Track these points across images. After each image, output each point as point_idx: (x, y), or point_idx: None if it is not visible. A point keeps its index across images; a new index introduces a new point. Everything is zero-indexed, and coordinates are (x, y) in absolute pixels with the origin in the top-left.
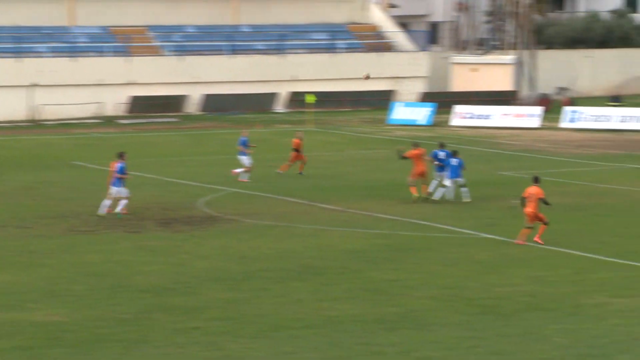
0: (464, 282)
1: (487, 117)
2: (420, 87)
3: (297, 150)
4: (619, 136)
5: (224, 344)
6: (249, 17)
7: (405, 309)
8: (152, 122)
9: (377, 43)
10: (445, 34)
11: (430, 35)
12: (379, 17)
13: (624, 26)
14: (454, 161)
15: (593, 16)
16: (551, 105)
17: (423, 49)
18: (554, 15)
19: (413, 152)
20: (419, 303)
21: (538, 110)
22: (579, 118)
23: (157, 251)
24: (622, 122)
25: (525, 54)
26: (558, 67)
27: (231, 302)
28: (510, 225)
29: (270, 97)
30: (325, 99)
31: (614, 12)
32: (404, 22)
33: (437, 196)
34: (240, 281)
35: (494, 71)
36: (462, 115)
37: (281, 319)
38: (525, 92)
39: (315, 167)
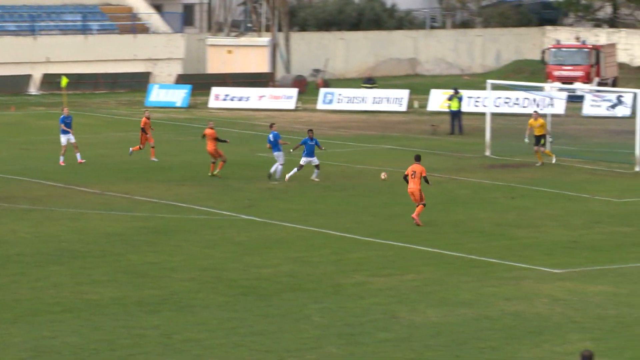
0: (224, 264)
1: (244, 98)
2: (177, 69)
3: (144, 130)
4: (372, 117)
5: None
6: None
7: (166, 291)
8: None
9: (131, 25)
10: (200, 15)
11: (185, 17)
12: None
13: (375, 9)
14: (309, 141)
15: None
16: (306, 87)
17: (178, 31)
18: None
19: (206, 130)
20: (180, 285)
21: (294, 92)
22: (334, 100)
23: None
24: (375, 103)
25: (280, 36)
26: (312, 49)
27: None
28: (269, 207)
29: (24, 79)
30: (80, 81)
31: None
32: (157, 4)
33: (275, 173)
34: None
35: (250, 53)
36: (220, 97)
37: (40, 303)
38: (280, 74)
39: (70, 150)
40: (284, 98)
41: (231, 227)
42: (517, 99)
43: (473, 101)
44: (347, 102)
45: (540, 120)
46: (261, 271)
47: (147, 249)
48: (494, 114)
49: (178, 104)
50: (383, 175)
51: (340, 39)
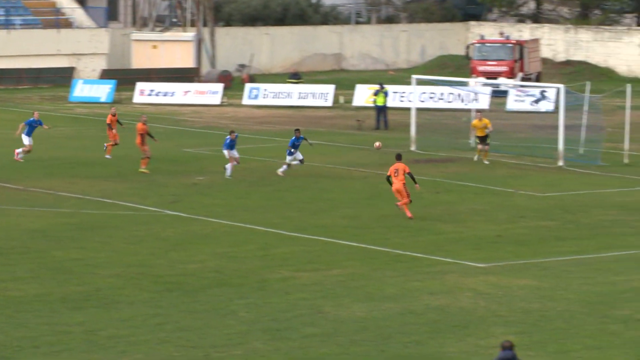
0: (149, 260)
1: (169, 94)
2: (101, 64)
3: (110, 126)
4: (298, 112)
5: None
6: None
7: (91, 287)
8: None
9: (55, 19)
10: (124, 10)
11: (109, 12)
12: None
13: (300, 4)
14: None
15: None
16: (232, 82)
17: (102, 26)
18: None
19: (138, 125)
20: (105, 281)
21: (219, 87)
22: (260, 95)
23: None
24: (301, 98)
25: (205, 31)
26: (237, 44)
27: None
28: (194, 202)
29: None
30: (3, 75)
31: None
32: None
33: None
34: None
35: (175, 48)
36: (145, 92)
37: None
38: (206, 69)
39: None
40: (209, 93)
41: (157, 223)
42: (442, 94)
43: (398, 96)
44: (273, 97)
45: (485, 121)
46: (187, 267)
47: (72, 245)
48: (419, 109)
49: (102, 99)
50: (377, 144)
51: (265, 34)
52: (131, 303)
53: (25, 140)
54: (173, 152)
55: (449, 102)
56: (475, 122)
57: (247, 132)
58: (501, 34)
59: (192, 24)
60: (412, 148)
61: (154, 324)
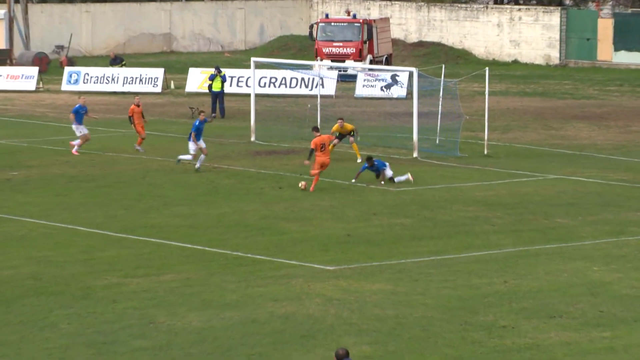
0: None
1: None
2: None
3: (132, 118)
4: (124, 99)
5: None
6: None
7: None
8: None
9: None
10: None
11: None
12: None
13: None
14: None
15: None
16: (48, 66)
17: None
18: None
19: None
20: None
21: (34, 71)
22: (80, 79)
23: None
24: (127, 84)
25: (17, 8)
26: (54, 22)
27: None
28: (7, 200)
29: None
30: None
31: None
32: None
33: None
34: None
35: None
36: None
37: None
38: (19, 51)
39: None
40: (23, 78)
41: None
42: (284, 78)
43: (236, 81)
44: (95, 83)
45: (348, 127)
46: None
47: None
48: (258, 95)
49: None
50: (302, 185)
51: (85, 11)
52: None
53: (79, 130)
54: None
55: (292, 87)
56: (336, 127)
57: (66, 122)
58: (348, 12)
59: (3, 1)
60: (252, 138)
61: None
